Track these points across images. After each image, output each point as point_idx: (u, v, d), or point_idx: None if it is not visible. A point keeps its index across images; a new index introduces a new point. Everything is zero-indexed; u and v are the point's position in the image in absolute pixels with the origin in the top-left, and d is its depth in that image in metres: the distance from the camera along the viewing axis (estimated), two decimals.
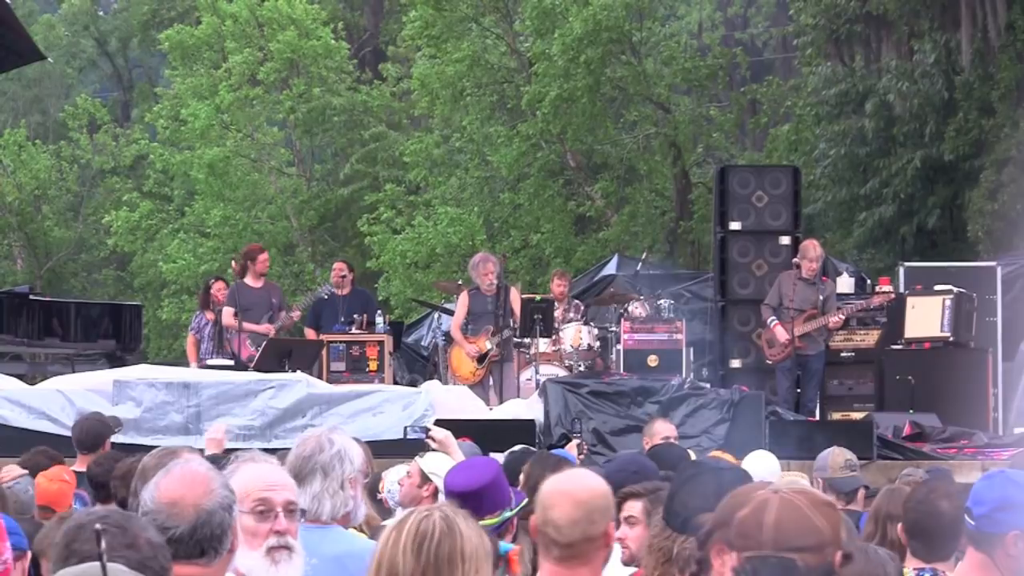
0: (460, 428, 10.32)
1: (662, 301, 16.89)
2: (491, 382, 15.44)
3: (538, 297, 16.65)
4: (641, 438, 10.22)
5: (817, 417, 15.62)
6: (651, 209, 30.59)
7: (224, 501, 3.58)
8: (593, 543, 4.07)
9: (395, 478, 7.47)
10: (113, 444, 9.47)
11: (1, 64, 21.15)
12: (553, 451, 9.48)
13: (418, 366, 18.61)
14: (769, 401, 14.26)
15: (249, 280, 15.93)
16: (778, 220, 17.43)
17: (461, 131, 31.44)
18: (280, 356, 14.83)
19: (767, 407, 13.82)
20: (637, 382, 14.11)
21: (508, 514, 5.65)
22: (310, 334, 16.27)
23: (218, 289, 16.52)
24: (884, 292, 15.98)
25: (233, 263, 20.71)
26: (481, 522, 5.35)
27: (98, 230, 38.18)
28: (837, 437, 10.29)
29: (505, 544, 5.04)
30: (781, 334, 15.35)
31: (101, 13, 46.19)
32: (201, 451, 6.36)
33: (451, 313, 16.36)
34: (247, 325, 15.55)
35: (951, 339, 15.78)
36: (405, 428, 12.30)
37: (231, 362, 15.53)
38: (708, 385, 15.16)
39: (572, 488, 4.13)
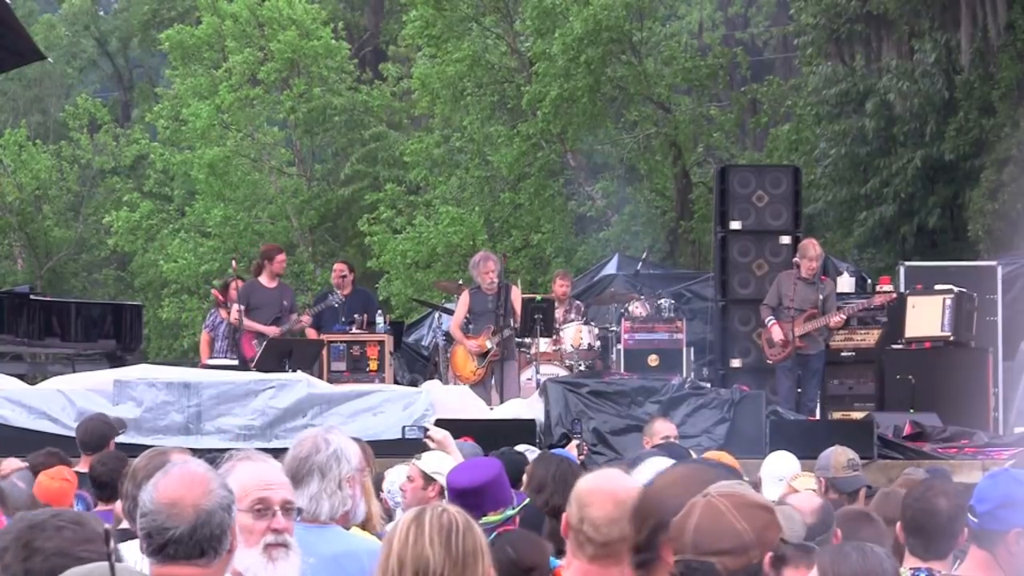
0: (460, 428, 10.33)
1: (662, 301, 16.89)
2: (492, 381, 15.44)
3: (538, 297, 16.65)
4: (641, 438, 10.23)
5: (818, 417, 15.61)
6: (651, 209, 30.60)
7: (223, 501, 3.57)
8: (627, 543, 4.07)
9: (395, 478, 7.47)
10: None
11: (1, 64, 21.15)
12: (553, 451, 9.48)
13: (419, 366, 18.61)
14: (769, 401, 14.25)
15: (264, 279, 15.92)
16: (778, 220, 17.43)
17: (461, 131, 31.46)
18: (280, 356, 14.83)
19: (767, 407, 13.82)
20: (638, 382, 14.11)
21: (511, 512, 5.65)
22: (311, 334, 16.26)
23: (236, 288, 16.47)
24: (885, 292, 15.97)
25: (233, 263, 20.75)
26: (484, 518, 5.37)
27: (98, 230, 38.19)
28: (838, 437, 10.27)
29: (554, 559, 5.04)
30: (778, 334, 15.35)
31: (101, 13, 46.22)
32: (194, 451, 6.35)
33: (452, 313, 16.35)
34: (251, 323, 15.54)
35: (952, 339, 15.78)
36: (403, 428, 12.30)
37: (233, 362, 15.54)
38: (709, 385, 15.16)
39: (612, 487, 4.14)
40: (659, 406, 13.42)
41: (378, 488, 7.28)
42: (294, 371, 14.13)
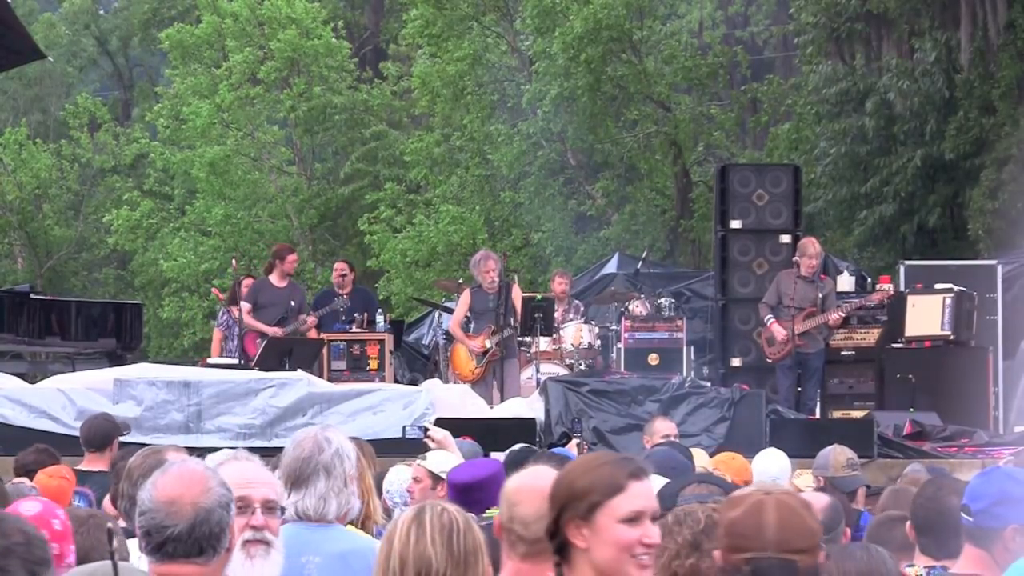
0: (460, 427, 10.33)
1: (663, 300, 16.90)
2: (493, 380, 15.43)
3: (539, 296, 16.65)
4: (642, 436, 10.22)
5: (817, 415, 15.61)
6: (652, 208, 30.59)
7: (222, 500, 3.58)
8: None
9: (393, 478, 7.47)
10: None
11: (1, 63, 21.15)
12: (554, 450, 9.48)
13: (419, 365, 18.61)
14: (769, 400, 14.25)
15: (274, 279, 15.93)
16: (779, 219, 17.43)
17: (462, 130, 31.46)
18: (281, 355, 14.84)
19: (767, 406, 13.82)
20: (638, 381, 14.10)
21: None
22: (311, 333, 16.26)
23: (246, 286, 16.47)
24: (883, 290, 15.97)
25: (233, 262, 20.77)
26: (487, 512, 5.37)
27: (99, 229, 38.19)
28: (837, 436, 10.26)
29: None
30: (779, 332, 15.35)
31: (102, 12, 46.20)
32: (192, 450, 6.34)
33: (452, 312, 16.35)
34: (253, 323, 15.54)
35: (952, 338, 15.77)
36: (404, 427, 12.30)
37: (233, 360, 15.54)
38: (709, 384, 15.16)
39: (539, 484, 4.15)
40: (659, 405, 13.42)
41: (379, 487, 7.28)
42: (294, 370, 14.13)
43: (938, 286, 16.10)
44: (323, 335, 15.82)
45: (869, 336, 16.60)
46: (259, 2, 33.72)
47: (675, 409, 13.33)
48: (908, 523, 5.40)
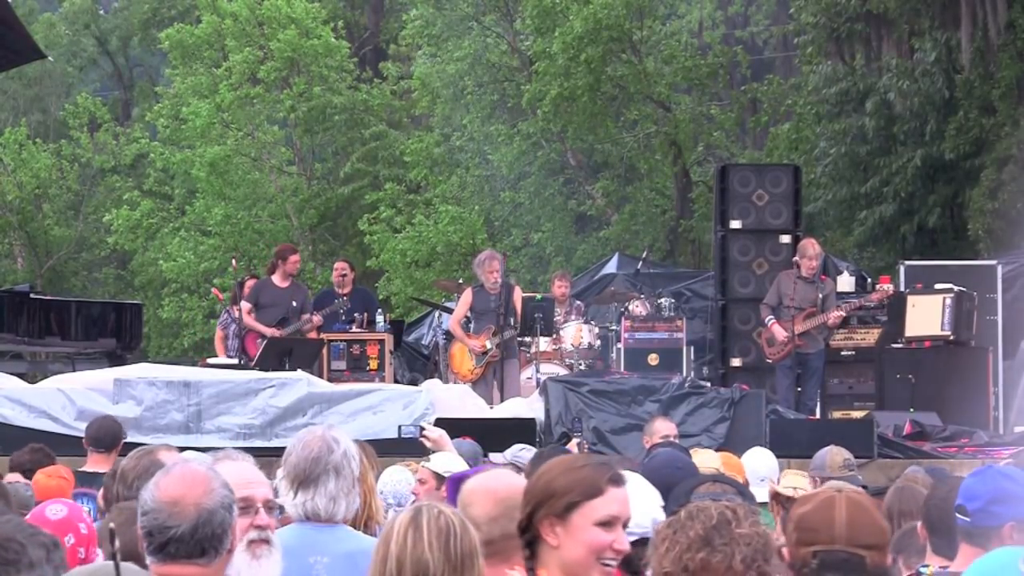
0: (460, 427, 10.33)
1: (662, 300, 16.90)
2: (493, 380, 15.43)
3: (538, 296, 16.65)
4: (641, 437, 10.22)
5: (817, 416, 15.62)
6: (651, 208, 30.60)
7: (224, 500, 3.58)
8: (513, 540, 4.09)
9: (387, 479, 7.47)
10: None
11: (1, 63, 21.16)
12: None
13: (419, 365, 18.62)
14: (769, 400, 14.26)
15: (276, 279, 15.94)
16: (779, 219, 17.44)
17: (462, 130, 31.47)
18: (280, 355, 14.85)
19: (767, 406, 13.82)
20: (638, 381, 14.10)
21: None
22: (311, 333, 16.27)
23: (249, 286, 16.48)
24: (882, 290, 15.97)
25: (233, 262, 20.79)
26: None
27: (98, 229, 38.18)
28: (837, 436, 10.27)
29: None
30: (780, 332, 15.35)
31: (102, 12, 46.17)
32: (183, 450, 6.33)
33: (452, 312, 16.35)
34: (252, 323, 15.55)
35: (951, 338, 15.77)
36: (399, 427, 12.31)
37: (233, 360, 15.55)
38: (708, 384, 15.16)
39: (493, 486, 4.18)
40: (659, 405, 13.42)
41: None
42: (294, 370, 14.14)
43: (938, 286, 16.10)
44: (323, 335, 15.83)
45: (869, 336, 16.61)
46: (259, 2, 33.70)
47: (675, 409, 13.34)
48: (919, 524, 5.42)
